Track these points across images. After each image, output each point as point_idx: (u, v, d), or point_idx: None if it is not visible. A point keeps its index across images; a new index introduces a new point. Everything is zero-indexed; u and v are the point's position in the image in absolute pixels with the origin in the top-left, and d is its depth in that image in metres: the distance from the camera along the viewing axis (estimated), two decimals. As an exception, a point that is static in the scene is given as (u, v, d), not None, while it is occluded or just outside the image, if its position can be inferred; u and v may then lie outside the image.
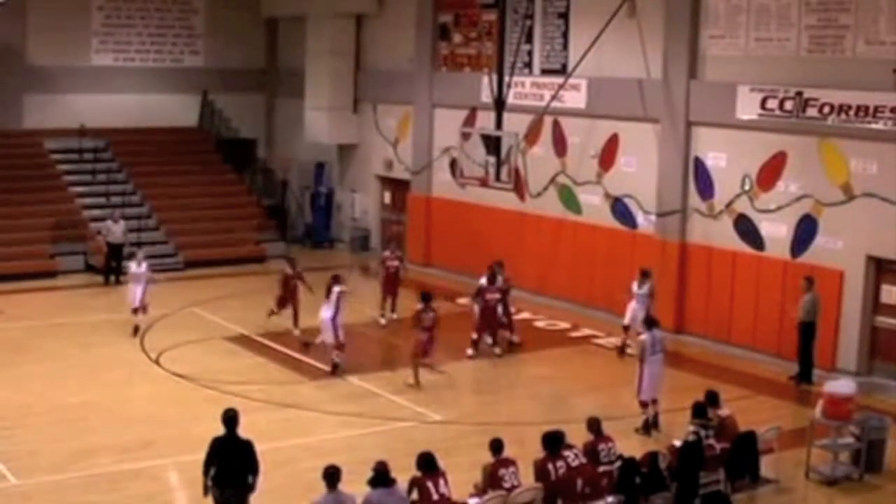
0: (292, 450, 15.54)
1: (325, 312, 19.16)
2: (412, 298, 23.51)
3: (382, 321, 22.97)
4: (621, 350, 20.75)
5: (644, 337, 16.94)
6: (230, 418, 12.12)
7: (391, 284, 23.19)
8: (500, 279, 21.16)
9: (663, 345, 17.22)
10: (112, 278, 26.31)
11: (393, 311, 23.18)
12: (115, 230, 26.73)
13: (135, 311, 21.57)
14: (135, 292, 21.68)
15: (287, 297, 21.94)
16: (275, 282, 22.68)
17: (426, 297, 19.30)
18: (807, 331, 19.51)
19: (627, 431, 15.80)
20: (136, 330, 21.48)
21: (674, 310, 22.28)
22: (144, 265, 21.97)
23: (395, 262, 23.27)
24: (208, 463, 12.03)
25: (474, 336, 20.66)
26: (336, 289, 19.23)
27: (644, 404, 16.72)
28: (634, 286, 20.62)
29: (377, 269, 24.67)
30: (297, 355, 20.17)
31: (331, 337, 19.16)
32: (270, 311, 22.05)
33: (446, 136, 27.52)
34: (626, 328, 20.65)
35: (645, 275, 20.67)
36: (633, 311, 20.40)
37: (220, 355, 20.48)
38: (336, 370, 19.19)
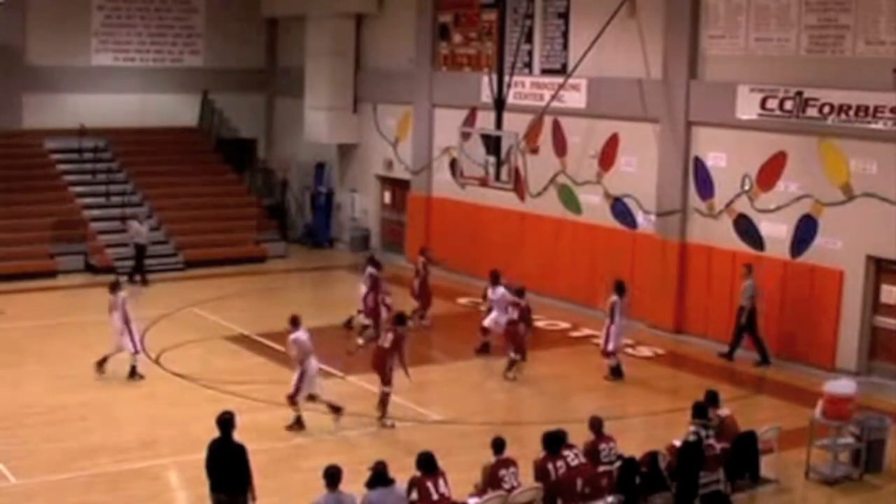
0: (292, 450, 15.57)
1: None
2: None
3: (426, 323, 22.69)
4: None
5: (299, 335, 16.56)
6: (224, 421, 11.95)
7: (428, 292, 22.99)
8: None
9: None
10: (137, 278, 26.25)
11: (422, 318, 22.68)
12: (143, 231, 26.73)
13: (136, 352, 18.94)
14: (130, 329, 18.85)
15: (375, 303, 21.08)
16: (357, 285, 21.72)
17: None
18: (747, 316, 20.31)
19: (628, 431, 15.80)
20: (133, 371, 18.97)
21: (674, 310, 22.33)
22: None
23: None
24: (207, 466, 11.97)
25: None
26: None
27: (310, 397, 16.58)
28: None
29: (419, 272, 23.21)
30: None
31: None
32: (360, 328, 21.05)
33: (446, 136, 27.51)
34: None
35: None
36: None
37: (220, 355, 20.47)
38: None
